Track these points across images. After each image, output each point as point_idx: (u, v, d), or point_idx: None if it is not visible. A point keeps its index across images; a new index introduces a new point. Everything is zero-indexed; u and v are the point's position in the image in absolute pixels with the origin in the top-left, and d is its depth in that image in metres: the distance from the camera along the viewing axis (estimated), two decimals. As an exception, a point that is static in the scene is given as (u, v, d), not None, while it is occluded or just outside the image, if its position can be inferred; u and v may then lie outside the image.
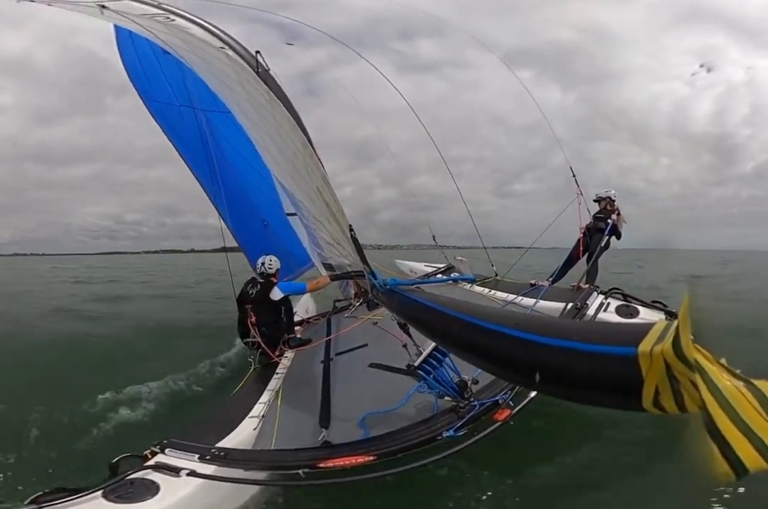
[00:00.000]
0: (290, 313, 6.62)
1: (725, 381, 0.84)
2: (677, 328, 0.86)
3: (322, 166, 3.39)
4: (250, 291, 6.38)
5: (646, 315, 5.37)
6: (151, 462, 3.22)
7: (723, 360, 0.90)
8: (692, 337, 0.86)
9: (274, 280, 6.48)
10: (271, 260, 6.57)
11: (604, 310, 5.43)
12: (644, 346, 0.91)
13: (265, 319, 6.18)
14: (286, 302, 6.49)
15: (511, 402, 3.38)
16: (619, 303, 5.63)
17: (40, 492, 2.73)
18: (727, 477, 0.77)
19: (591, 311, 5.40)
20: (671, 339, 0.86)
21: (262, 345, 5.95)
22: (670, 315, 5.25)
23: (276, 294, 6.27)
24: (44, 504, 2.62)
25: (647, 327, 0.96)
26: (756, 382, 0.86)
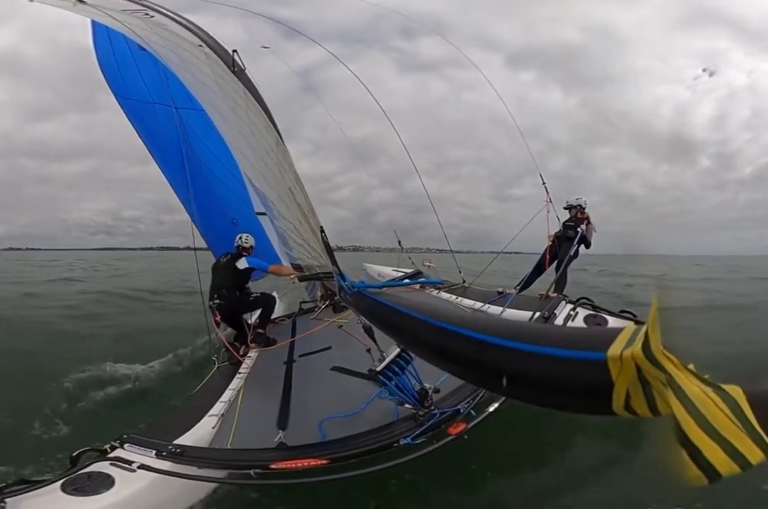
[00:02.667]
0: (268, 307, 7.03)
1: (693, 387, 0.85)
2: (646, 332, 0.87)
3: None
4: (222, 260, 7.05)
5: (614, 325, 5.39)
6: (109, 456, 3.28)
7: (691, 366, 0.91)
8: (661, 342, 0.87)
9: (244, 253, 7.03)
10: (247, 236, 7.19)
11: (572, 320, 5.43)
12: (613, 350, 0.92)
13: (227, 283, 6.69)
14: (267, 298, 7.10)
15: (472, 412, 3.40)
16: (588, 312, 5.63)
17: (3, 484, 2.78)
18: (699, 481, 0.78)
19: (559, 320, 5.39)
20: (641, 342, 0.87)
21: (226, 343, 6.07)
22: (640, 324, 5.31)
23: (242, 263, 6.83)
24: (6, 495, 2.66)
25: (616, 331, 0.98)
26: (725, 387, 0.87)
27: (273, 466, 3.07)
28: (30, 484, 2.84)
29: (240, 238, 7.15)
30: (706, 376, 0.90)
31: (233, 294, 6.71)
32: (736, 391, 0.87)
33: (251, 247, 7.20)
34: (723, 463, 0.79)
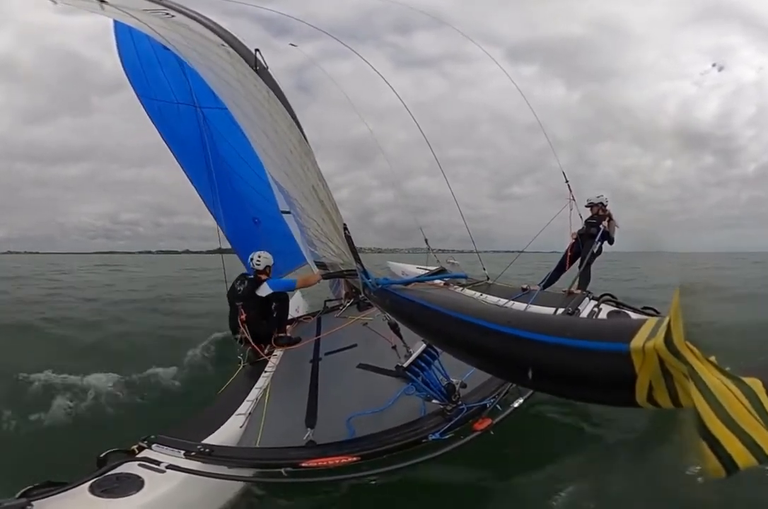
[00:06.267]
0: (284, 310, 6.67)
1: (714, 379, 0.85)
2: (668, 323, 0.87)
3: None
4: (238, 288, 6.38)
5: None
6: (137, 457, 3.29)
7: (713, 358, 0.90)
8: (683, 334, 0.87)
9: (263, 277, 6.45)
10: (260, 256, 6.52)
11: (596, 316, 5.41)
12: (636, 342, 0.92)
13: (251, 316, 6.17)
14: (280, 299, 6.55)
15: (498, 407, 3.37)
16: (611, 309, 5.63)
17: (31, 486, 2.77)
18: (717, 474, 0.78)
19: (582, 317, 5.33)
20: (663, 334, 0.87)
21: (251, 342, 5.98)
22: None
23: (264, 290, 6.27)
24: (34, 498, 2.66)
25: (639, 323, 0.97)
26: (746, 380, 0.87)
27: (304, 464, 3.08)
28: (57, 486, 2.84)
29: (251, 259, 6.55)
30: (727, 369, 0.89)
31: (261, 327, 6.29)
32: (755, 384, 0.87)
33: (267, 267, 6.58)
34: (741, 455, 0.79)
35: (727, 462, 0.78)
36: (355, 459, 3.07)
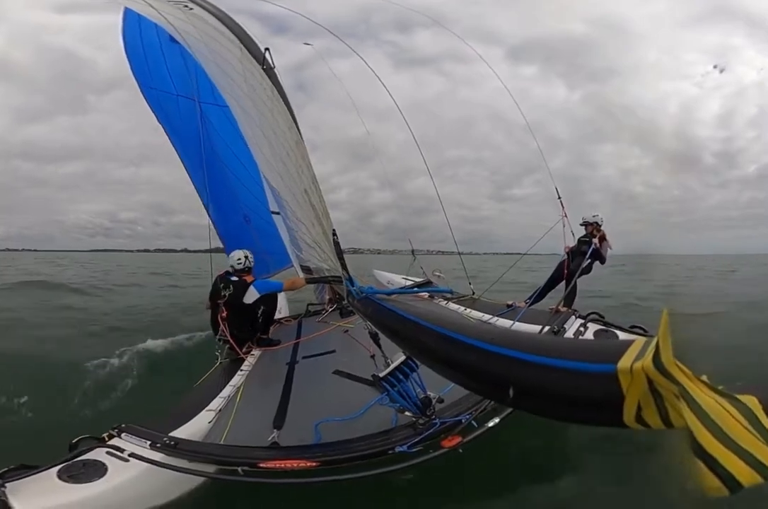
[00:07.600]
0: (270, 312, 6.50)
1: (707, 398, 0.84)
2: (657, 344, 0.86)
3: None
4: (223, 293, 6.03)
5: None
6: (106, 445, 3.36)
7: (704, 377, 0.90)
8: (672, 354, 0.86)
9: (248, 280, 6.11)
10: (248, 255, 6.27)
11: (582, 335, 5.33)
12: (624, 363, 0.91)
13: (237, 321, 5.95)
14: (268, 305, 6.36)
15: (474, 423, 3.32)
16: (598, 327, 5.58)
17: (6, 468, 2.84)
18: (719, 492, 0.77)
19: (568, 335, 5.28)
20: (651, 354, 0.86)
21: (231, 342, 5.88)
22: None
23: (252, 295, 5.98)
24: (8, 479, 2.74)
25: (627, 343, 0.97)
26: (740, 397, 0.86)
27: (262, 465, 3.08)
28: (29, 469, 2.90)
29: (239, 258, 6.19)
30: (720, 387, 0.89)
31: (245, 332, 6.08)
32: (751, 401, 0.86)
33: (250, 267, 6.32)
34: (744, 473, 0.78)
35: (729, 481, 0.77)
36: (314, 464, 3.05)
